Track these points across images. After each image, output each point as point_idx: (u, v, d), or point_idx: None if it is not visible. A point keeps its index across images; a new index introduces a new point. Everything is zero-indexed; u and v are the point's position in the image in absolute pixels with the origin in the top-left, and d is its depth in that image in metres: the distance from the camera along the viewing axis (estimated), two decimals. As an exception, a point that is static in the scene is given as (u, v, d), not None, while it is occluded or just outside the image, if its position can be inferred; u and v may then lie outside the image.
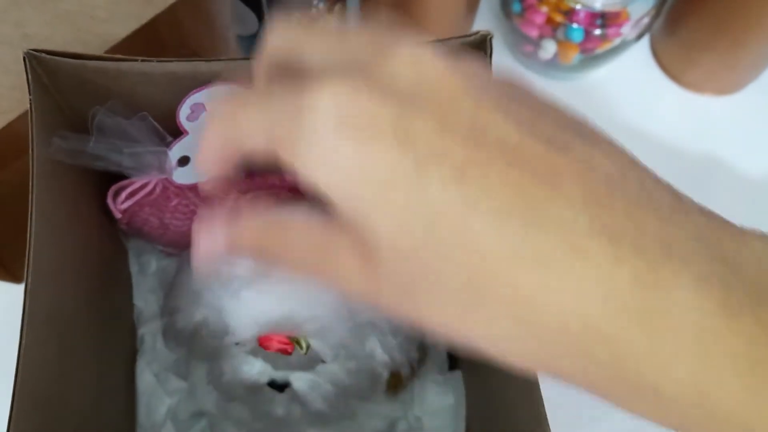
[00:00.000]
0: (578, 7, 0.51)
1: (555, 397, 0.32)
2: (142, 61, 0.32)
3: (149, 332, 0.45)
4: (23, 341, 0.29)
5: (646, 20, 0.52)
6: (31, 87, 0.31)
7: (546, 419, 0.30)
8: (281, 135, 0.20)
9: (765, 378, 0.18)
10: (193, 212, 0.39)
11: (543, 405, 0.30)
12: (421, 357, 0.40)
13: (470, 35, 0.33)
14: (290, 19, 0.23)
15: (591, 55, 0.55)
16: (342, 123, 0.19)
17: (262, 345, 0.32)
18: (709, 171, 0.57)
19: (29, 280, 0.30)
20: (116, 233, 0.44)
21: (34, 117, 0.31)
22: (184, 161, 0.37)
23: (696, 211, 0.20)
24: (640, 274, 0.18)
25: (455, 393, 0.46)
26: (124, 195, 0.36)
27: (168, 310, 0.38)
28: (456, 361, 0.47)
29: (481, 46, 0.34)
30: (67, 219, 0.35)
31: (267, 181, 0.41)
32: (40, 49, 0.31)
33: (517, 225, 0.18)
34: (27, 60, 0.31)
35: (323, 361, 0.34)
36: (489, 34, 0.34)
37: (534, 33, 0.55)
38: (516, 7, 0.55)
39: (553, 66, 0.58)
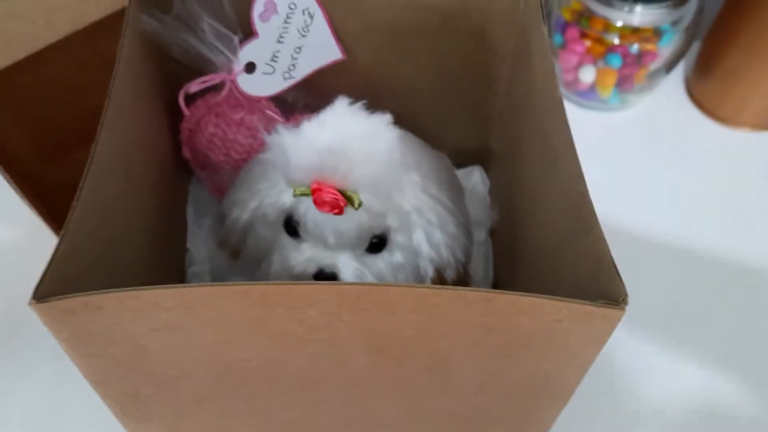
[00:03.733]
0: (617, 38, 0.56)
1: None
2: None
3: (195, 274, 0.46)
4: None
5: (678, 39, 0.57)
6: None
7: None
8: None
9: None
10: (257, 130, 0.42)
11: None
12: (466, 260, 0.39)
13: None
14: None
15: (628, 90, 0.60)
16: None
17: (315, 198, 0.33)
18: (747, 204, 0.57)
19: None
20: (179, 170, 0.46)
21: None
22: (250, 68, 0.41)
23: None
24: None
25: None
26: (194, 84, 0.40)
27: (224, 209, 0.40)
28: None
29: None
30: (141, 117, 0.38)
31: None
32: None
33: None
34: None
35: (374, 235, 0.36)
36: None
37: (574, 60, 0.59)
38: (557, 40, 0.60)
39: (592, 98, 0.62)
